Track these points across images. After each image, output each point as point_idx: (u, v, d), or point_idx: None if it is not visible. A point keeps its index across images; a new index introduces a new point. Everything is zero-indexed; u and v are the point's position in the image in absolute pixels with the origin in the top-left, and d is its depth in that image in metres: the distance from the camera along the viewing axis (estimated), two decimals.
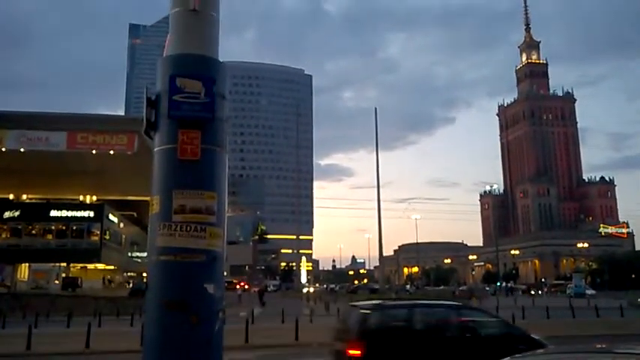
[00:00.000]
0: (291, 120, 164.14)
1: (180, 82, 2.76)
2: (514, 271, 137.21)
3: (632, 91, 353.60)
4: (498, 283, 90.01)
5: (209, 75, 2.83)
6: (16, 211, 51.79)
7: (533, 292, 76.73)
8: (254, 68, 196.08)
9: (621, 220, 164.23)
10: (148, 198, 2.78)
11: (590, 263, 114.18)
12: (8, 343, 18.47)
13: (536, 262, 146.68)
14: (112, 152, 39.98)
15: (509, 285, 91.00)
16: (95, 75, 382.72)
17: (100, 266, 56.69)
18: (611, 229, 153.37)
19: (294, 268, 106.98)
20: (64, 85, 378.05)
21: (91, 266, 55.68)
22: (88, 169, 44.36)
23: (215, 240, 2.66)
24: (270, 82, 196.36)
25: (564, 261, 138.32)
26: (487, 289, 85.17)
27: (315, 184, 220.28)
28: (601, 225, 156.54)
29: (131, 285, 56.09)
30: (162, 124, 2.79)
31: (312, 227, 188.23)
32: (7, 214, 51.08)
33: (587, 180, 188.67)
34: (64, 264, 52.90)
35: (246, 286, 76.34)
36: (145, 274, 2.73)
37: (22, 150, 39.75)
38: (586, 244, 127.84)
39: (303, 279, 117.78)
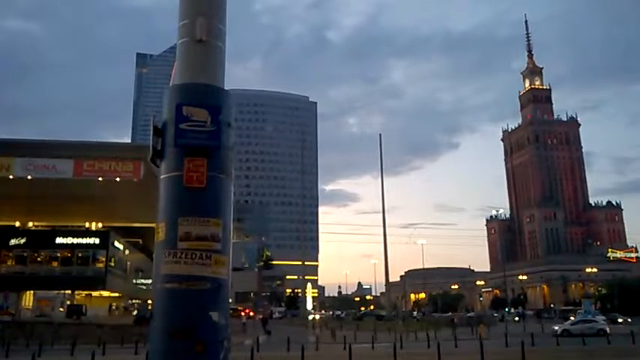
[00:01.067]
0: (296, 146, 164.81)
1: (187, 110, 2.79)
2: (522, 297, 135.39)
3: (634, 115, 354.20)
4: (507, 309, 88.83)
5: (215, 104, 2.86)
6: (22, 238, 51.86)
7: (545, 315, 75.93)
8: (259, 96, 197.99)
9: (629, 244, 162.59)
10: (153, 225, 2.79)
11: (600, 288, 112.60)
12: None
13: (545, 287, 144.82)
14: (118, 179, 40.18)
15: (519, 310, 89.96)
16: (102, 103, 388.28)
17: (105, 293, 56.37)
18: (619, 254, 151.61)
19: (300, 294, 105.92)
20: (71, 113, 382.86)
21: (95, 293, 55.36)
22: (94, 196, 44.50)
23: (220, 267, 2.66)
24: (275, 109, 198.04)
25: (573, 286, 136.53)
26: (495, 315, 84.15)
27: (321, 209, 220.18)
28: (609, 249, 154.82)
29: (135, 312, 55.70)
30: (169, 152, 2.81)
31: (318, 253, 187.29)
32: (12, 242, 51.13)
33: (593, 204, 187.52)
34: (69, 291, 52.66)
35: (251, 314, 75.59)
36: (149, 301, 2.70)
37: (29, 177, 40.02)
38: (594, 269, 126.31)
39: (309, 305, 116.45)
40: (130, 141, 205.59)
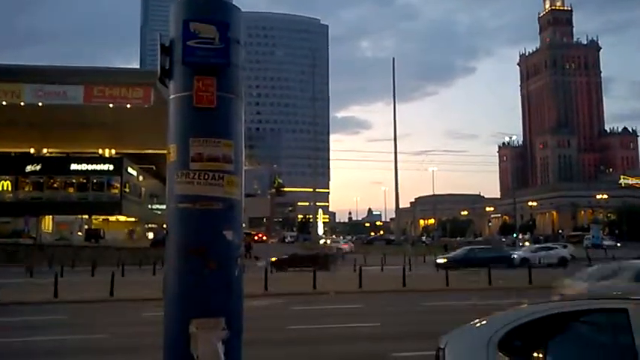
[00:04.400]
0: (307, 72, 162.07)
1: (194, 27, 2.68)
2: (531, 223, 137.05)
3: None
4: (515, 234, 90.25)
5: (223, 19, 2.74)
6: (38, 164, 52.77)
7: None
8: (268, 18, 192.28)
9: None
10: (165, 151, 2.77)
11: (609, 214, 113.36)
12: (37, 291, 19.21)
13: (554, 213, 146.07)
14: (128, 106, 40.17)
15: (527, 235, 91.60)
16: (109, 28, 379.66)
17: (122, 218, 57.94)
18: (631, 180, 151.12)
19: (311, 220, 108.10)
20: (78, 38, 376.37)
21: (112, 218, 56.93)
22: (105, 123, 44.72)
23: (233, 188, 2.66)
24: (286, 32, 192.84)
25: (582, 212, 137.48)
26: (503, 240, 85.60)
27: (332, 137, 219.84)
28: (621, 176, 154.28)
29: (152, 236, 57.39)
30: (177, 71, 2.73)
31: (329, 180, 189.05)
32: (29, 168, 52.09)
33: (608, 131, 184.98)
34: (86, 216, 54.16)
35: (264, 238, 77.51)
36: (165, 226, 2.73)
37: (40, 104, 40.08)
38: (605, 196, 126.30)
39: (320, 230, 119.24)
40: (138, 66, 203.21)
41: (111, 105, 40.33)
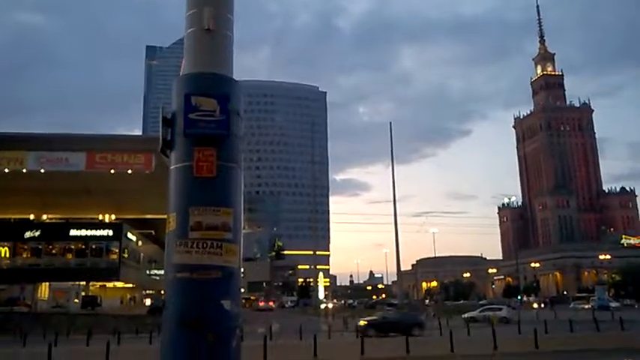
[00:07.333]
0: (306, 136, 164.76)
1: (196, 100, 2.79)
2: (535, 285, 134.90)
3: None
4: (519, 297, 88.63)
5: (223, 93, 2.86)
6: (37, 230, 52.50)
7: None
8: (268, 86, 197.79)
9: None
10: (165, 216, 2.80)
11: (613, 275, 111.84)
12: None
13: (558, 274, 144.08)
14: (130, 172, 40.50)
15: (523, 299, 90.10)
16: (113, 96, 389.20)
17: (119, 284, 57.03)
18: (633, 240, 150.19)
19: (312, 283, 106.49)
20: (82, 106, 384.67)
21: (109, 284, 56.03)
22: (106, 189, 44.94)
23: (231, 256, 2.67)
24: (285, 99, 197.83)
25: (586, 273, 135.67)
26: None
27: (332, 199, 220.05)
28: (623, 236, 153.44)
29: (149, 303, 56.30)
30: (178, 143, 2.82)
31: (329, 243, 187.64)
32: (27, 234, 51.79)
33: (607, 191, 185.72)
34: (84, 282, 53.33)
35: (270, 303, 76.37)
36: (162, 292, 2.72)
37: (42, 171, 40.43)
38: (608, 256, 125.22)
39: (321, 295, 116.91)
40: (140, 133, 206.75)
41: (112, 171, 40.69)
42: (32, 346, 24.35)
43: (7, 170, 40.37)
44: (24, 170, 40.51)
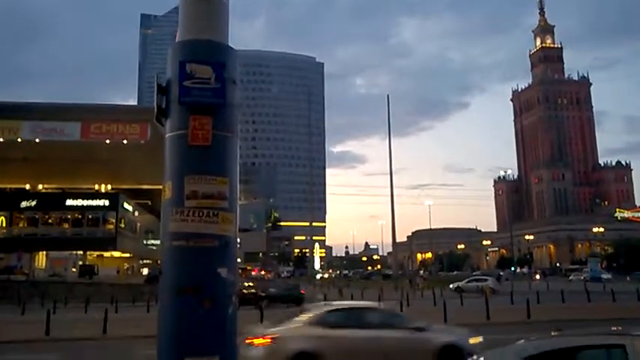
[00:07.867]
0: (302, 108, 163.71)
1: (190, 67, 2.76)
2: (529, 256, 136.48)
3: None
4: (512, 268, 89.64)
5: (219, 60, 2.82)
6: (33, 200, 52.52)
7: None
8: (265, 56, 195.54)
9: (637, 203, 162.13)
10: (161, 187, 2.80)
11: (606, 248, 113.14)
12: (28, 328, 18.85)
13: (551, 246, 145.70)
14: (125, 141, 40.36)
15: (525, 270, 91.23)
16: (108, 66, 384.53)
17: (116, 254, 57.39)
18: (627, 214, 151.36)
19: (308, 254, 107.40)
20: (77, 76, 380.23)
21: (107, 254, 56.39)
22: (102, 159, 44.81)
23: (227, 225, 2.67)
24: (282, 70, 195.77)
25: (579, 246, 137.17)
26: (501, 274, 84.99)
27: (328, 171, 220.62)
28: (617, 209, 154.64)
29: (147, 272, 56.72)
30: (173, 111, 2.79)
31: (325, 214, 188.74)
32: (24, 204, 51.83)
33: (602, 164, 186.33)
34: (81, 252, 53.63)
35: (262, 272, 77.08)
36: (159, 262, 2.73)
37: (37, 140, 40.23)
38: (601, 229, 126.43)
39: (317, 265, 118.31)
40: (136, 103, 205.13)
41: (108, 141, 40.52)
42: (31, 313, 24.62)
43: (1, 140, 40.17)
44: (19, 140, 40.30)
